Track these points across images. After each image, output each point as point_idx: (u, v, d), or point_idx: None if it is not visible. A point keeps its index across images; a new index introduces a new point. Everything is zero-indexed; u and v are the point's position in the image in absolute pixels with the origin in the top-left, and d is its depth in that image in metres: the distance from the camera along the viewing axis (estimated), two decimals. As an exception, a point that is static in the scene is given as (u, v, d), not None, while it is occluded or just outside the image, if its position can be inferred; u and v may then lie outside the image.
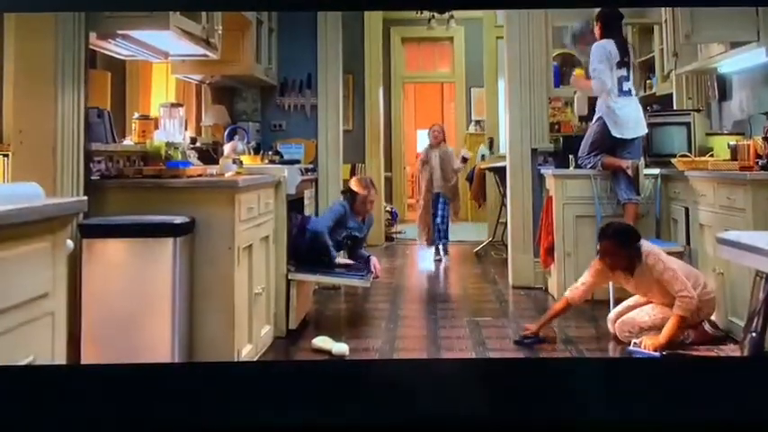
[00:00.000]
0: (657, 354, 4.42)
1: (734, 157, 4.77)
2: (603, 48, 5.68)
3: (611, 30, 5.80)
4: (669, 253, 4.75)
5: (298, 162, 6.34)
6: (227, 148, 5.54)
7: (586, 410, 1.57)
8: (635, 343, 4.51)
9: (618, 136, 5.60)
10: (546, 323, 4.76)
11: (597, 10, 5.86)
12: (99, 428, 1.52)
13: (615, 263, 4.66)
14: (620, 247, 4.63)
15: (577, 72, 5.95)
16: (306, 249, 5.18)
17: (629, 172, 5.53)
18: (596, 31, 5.80)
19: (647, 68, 7.71)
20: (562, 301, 4.83)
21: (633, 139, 5.65)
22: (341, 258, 5.32)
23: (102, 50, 4.39)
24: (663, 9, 6.07)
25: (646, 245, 4.63)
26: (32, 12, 3.38)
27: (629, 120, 5.64)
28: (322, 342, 4.58)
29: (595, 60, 5.68)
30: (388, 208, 10.01)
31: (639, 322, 4.56)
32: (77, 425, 1.57)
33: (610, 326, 4.73)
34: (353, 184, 5.56)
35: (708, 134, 5.86)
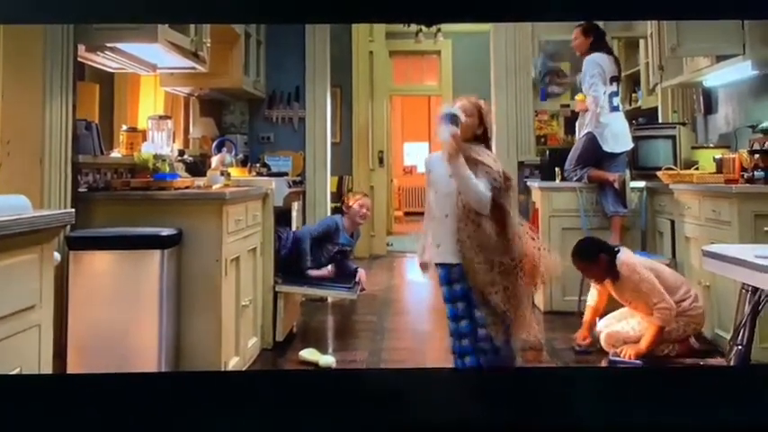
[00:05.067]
0: (639, 362, 4.45)
1: (719, 171, 4.80)
2: (596, 62, 5.71)
3: (601, 44, 5.84)
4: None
5: (285, 174, 6.34)
6: (214, 160, 5.53)
7: (574, 419, 1.58)
8: (615, 353, 4.54)
9: (608, 150, 5.64)
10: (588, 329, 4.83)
11: (582, 24, 5.89)
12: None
13: (593, 276, 4.75)
14: (585, 263, 4.69)
15: (579, 97, 5.95)
16: (292, 261, 5.20)
17: (616, 185, 5.56)
18: (585, 44, 5.83)
19: (633, 82, 7.76)
20: (588, 311, 4.89)
21: (620, 153, 5.69)
22: (315, 271, 5.30)
23: (90, 63, 4.39)
24: (649, 23, 6.11)
25: (623, 255, 4.63)
26: (17, 23, 3.36)
27: (619, 134, 5.69)
28: (309, 354, 4.58)
29: (588, 75, 5.72)
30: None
31: (624, 336, 4.57)
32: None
33: (597, 337, 4.74)
34: (349, 200, 5.57)
35: (693, 147, 5.89)
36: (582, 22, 5.90)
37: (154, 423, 1.52)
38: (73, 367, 3.55)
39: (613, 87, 5.72)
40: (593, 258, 4.64)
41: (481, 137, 3.69)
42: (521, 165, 6.52)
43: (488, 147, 3.74)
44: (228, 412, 1.48)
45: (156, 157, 4.42)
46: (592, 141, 5.68)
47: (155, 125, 4.83)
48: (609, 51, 5.89)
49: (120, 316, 3.66)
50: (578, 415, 1.57)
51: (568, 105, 6.90)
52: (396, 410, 1.47)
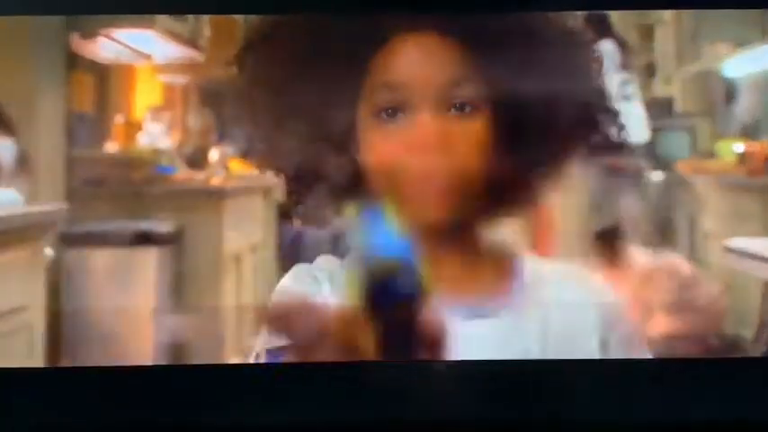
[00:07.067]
0: None
1: (741, 162, 4.72)
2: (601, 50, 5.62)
3: (605, 30, 5.74)
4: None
5: (288, 167, 6.28)
6: (214, 152, 5.48)
7: (577, 411, 1.49)
8: None
9: (620, 141, 5.54)
10: None
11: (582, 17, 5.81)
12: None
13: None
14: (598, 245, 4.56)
15: None
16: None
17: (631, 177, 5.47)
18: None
19: (649, 70, 7.68)
20: None
21: (635, 144, 5.60)
22: None
23: (82, 54, 4.33)
24: (665, 8, 6.05)
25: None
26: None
27: (632, 125, 5.60)
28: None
29: None
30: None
31: None
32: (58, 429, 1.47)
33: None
34: None
35: (713, 138, 5.81)
36: (581, 16, 5.81)
37: (153, 415, 1.42)
38: (66, 369, 3.47)
39: (623, 74, 5.63)
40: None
41: None
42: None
43: None
44: (227, 405, 1.40)
45: (153, 149, 4.40)
46: (605, 131, 5.60)
47: (152, 116, 4.79)
48: (614, 36, 5.80)
49: (117, 315, 3.61)
50: (581, 409, 1.50)
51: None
52: (398, 403, 1.39)
